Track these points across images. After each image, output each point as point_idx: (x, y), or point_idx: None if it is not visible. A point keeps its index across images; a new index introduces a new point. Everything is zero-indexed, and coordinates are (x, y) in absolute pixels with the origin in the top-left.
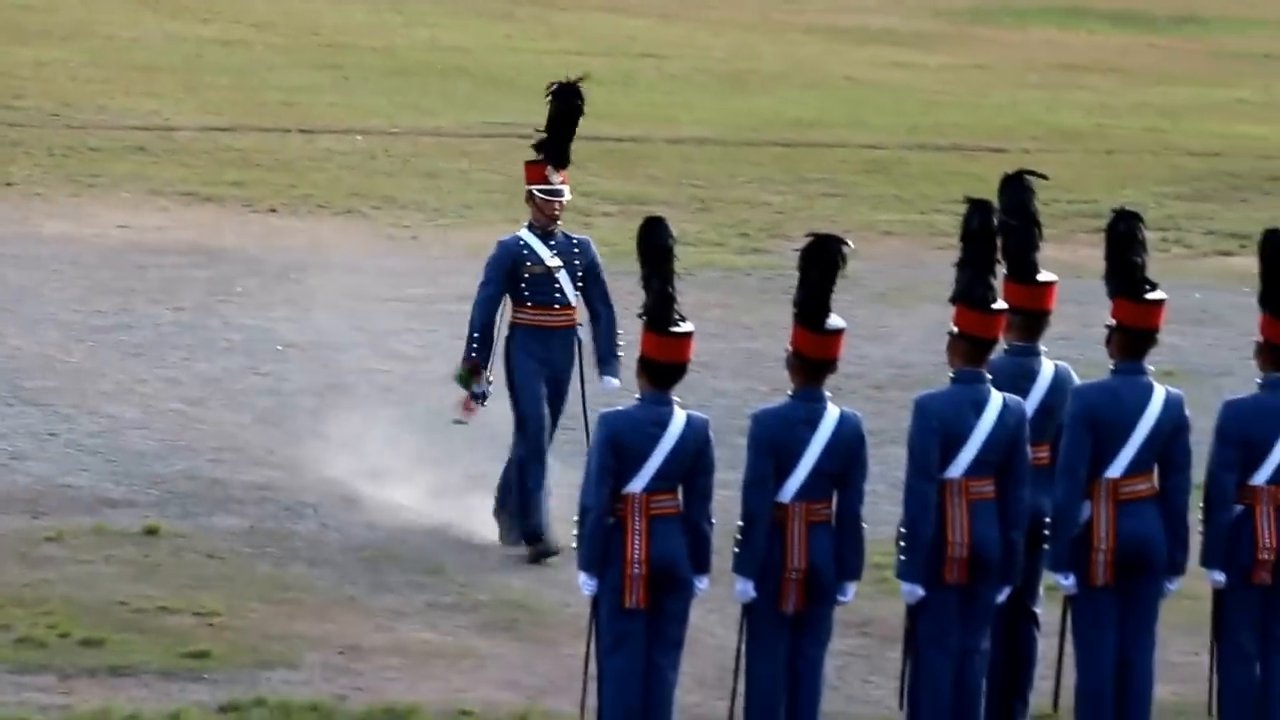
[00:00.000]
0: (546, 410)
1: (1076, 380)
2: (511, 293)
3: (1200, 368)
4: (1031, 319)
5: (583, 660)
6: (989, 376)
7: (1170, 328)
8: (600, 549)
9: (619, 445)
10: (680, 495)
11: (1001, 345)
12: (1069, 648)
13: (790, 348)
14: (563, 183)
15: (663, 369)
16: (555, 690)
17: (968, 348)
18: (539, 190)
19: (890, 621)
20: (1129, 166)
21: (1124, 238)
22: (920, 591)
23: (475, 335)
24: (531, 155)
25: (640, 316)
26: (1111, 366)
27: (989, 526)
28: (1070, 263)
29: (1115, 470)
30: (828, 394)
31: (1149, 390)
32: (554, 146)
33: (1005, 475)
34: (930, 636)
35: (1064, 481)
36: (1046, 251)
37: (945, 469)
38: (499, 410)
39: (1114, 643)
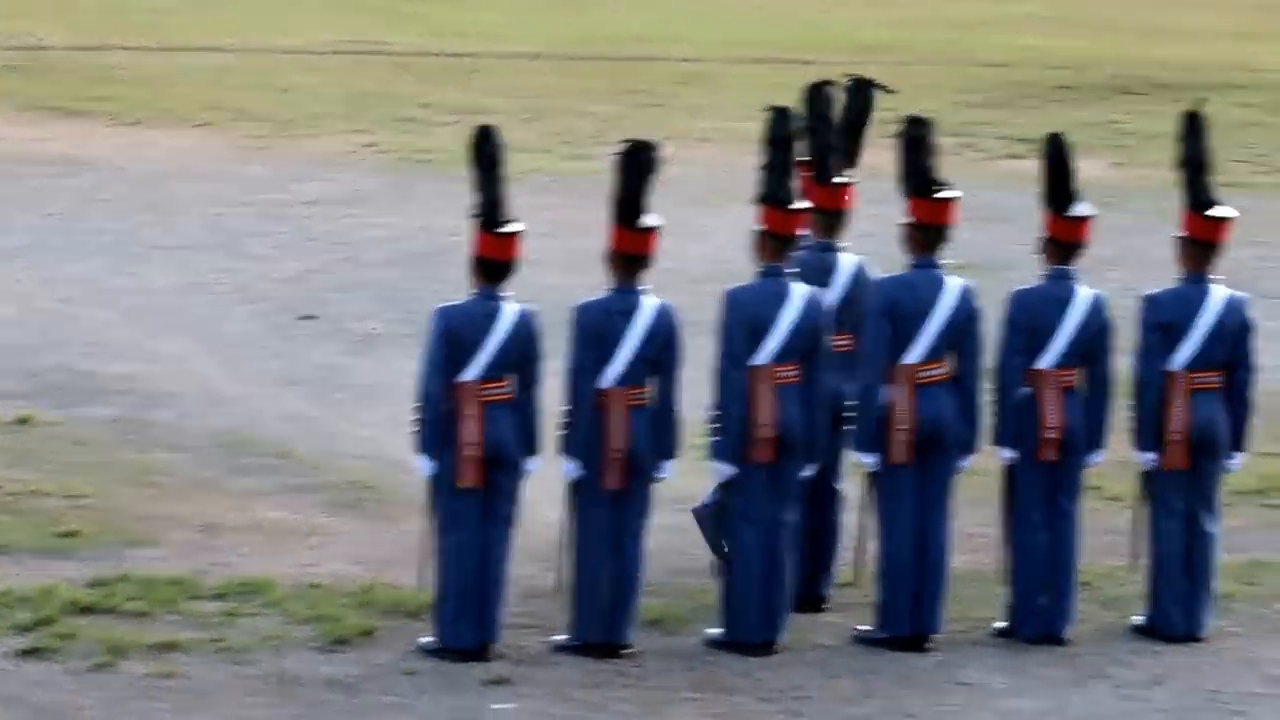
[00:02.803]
0: None
1: (875, 273)
2: None
3: (992, 261)
4: (831, 217)
5: (421, 536)
6: (793, 270)
7: (965, 224)
8: (437, 434)
9: (454, 336)
10: (512, 382)
11: (805, 241)
12: (870, 521)
13: (609, 245)
14: None
15: (494, 265)
16: (397, 564)
17: (771, 244)
18: None
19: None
20: (927, 76)
21: (915, 141)
22: (731, 470)
23: None
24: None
25: (473, 217)
26: (908, 261)
27: (793, 409)
28: (871, 165)
29: (913, 356)
30: (646, 287)
31: (943, 282)
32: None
33: (808, 361)
34: (741, 511)
35: (866, 368)
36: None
37: (753, 356)
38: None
39: (913, 516)
